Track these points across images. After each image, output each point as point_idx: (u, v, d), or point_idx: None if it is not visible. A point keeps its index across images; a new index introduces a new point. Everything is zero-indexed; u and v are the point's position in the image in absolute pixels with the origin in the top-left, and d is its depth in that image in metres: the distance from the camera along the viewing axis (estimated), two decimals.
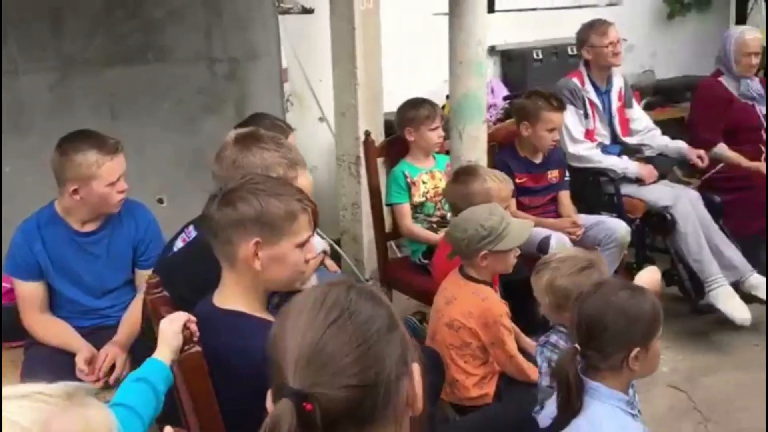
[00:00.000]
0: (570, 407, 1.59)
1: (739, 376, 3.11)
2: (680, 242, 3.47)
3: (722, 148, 3.92)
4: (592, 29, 3.68)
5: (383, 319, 0.97)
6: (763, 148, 3.96)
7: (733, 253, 3.51)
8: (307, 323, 0.96)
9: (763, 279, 3.47)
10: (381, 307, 0.99)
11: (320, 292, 0.99)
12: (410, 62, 4.28)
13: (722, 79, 4.01)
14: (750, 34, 3.95)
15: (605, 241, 3.20)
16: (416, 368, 0.99)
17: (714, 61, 4.14)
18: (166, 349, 1.48)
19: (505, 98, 4.51)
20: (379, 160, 3.31)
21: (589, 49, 3.71)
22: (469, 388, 2.33)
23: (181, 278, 1.86)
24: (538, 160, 3.41)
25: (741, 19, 5.68)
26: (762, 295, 3.42)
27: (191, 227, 2.08)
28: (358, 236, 3.71)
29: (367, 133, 3.27)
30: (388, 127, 3.58)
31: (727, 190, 3.77)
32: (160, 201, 3.47)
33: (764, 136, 3.98)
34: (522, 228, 2.31)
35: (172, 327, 1.50)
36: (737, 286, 3.44)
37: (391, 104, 3.55)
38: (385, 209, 3.30)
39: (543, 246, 2.94)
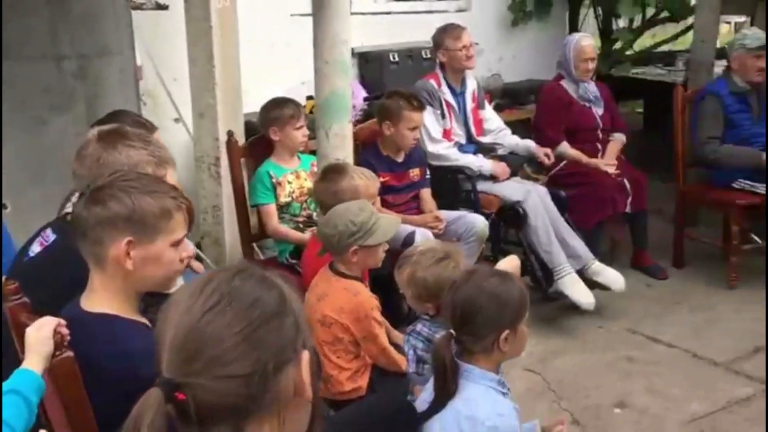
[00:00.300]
0: (446, 390, 1.66)
1: (586, 357, 3.35)
2: (531, 235, 3.69)
3: (565, 147, 4.20)
4: (446, 33, 3.84)
5: (271, 303, 0.95)
6: (600, 147, 4.29)
7: (577, 243, 3.78)
8: (184, 310, 0.94)
9: (603, 266, 3.76)
10: (271, 290, 0.97)
11: (203, 278, 0.98)
12: (266, 63, 4.26)
13: (563, 83, 4.30)
14: (586, 41, 4.26)
15: (466, 235, 3.35)
16: (306, 355, 0.97)
17: (555, 65, 4.43)
18: (35, 358, 1.39)
19: (365, 99, 4.60)
20: (241, 161, 3.27)
21: (444, 52, 3.86)
22: (343, 382, 2.36)
23: (40, 284, 1.76)
24: (400, 159, 3.51)
25: (574, 28, 6.12)
26: (603, 280, 3.70)
27: (49, 230, 1.97)
28: (220, 239, 3.64)
29: (230, 134, 3.22)
30: (247, 127, 3.55)
31: (571, 186, 4.04)
32: (4, 206, 3.24)
33: (600, 136, 4.31)
34: (390, 223, 2.37)
35: (41, 333, 1.41)
36: (581, 273, 3.71)
37: (249, 105, 3.53)
38: (250, 210, 3.27)
39: (408, 241, 3.03)
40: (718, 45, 4.99)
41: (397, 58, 4.95)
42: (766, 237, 4.08)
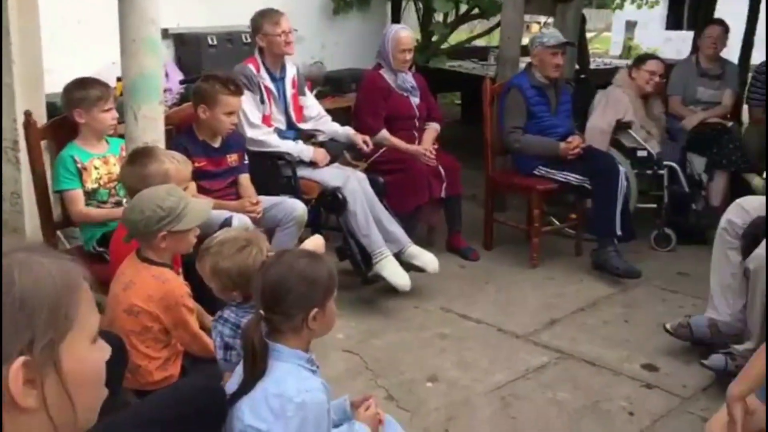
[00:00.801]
0: (255, 371, 1.68)
1: (402, 335, 3.49)
2: (350, 220, 3.77)
3: (384, 134, 4.33)
4: (265, 18, 3.82)
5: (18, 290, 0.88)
6: (417, 135, 4.47)
7: (395, 227, 3.91)
8: None
9: (419, 249, 3.93)
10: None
11: None
12: (74, 40, 4.02)
13: (382, 72, 4.42)
14: (404, 33, 4.41)
15: (285, 220, 3.37)
16: (19, 362, 0.88)
17: (375, 55, 4.54)
18: None
19: (181, 82, 4.47)
20: (43, 144, 3.07)
21: (262, 37, 3.84)
22: (152, 372, 2.31)
23: None
24: (216, 144, 3.45)
25: (396, 19, 6.30)
26: (419, 263, 3.87)
27: None
28: (20, 228, 3.41)
29: (28, 114, 3.00)
30: (50, 109, 3.33)
31: (389, 172, 4.18)
32: None
33: (417, 124, 4.49)
34: (201, 208, 2.34)
35: None
36: (399, 256, 3.85)
37: (54, 85, 3.31)
38: (53, 197, 3.08)
39: (225, 226, 2.99)
40: (525, 41, 5.36)
41: (215, 42, 4.85)
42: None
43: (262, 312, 1.71)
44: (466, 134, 6.64)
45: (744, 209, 3.11)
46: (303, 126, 4.09)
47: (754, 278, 2.80)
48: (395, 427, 1.99)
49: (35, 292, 0.91)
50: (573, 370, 3.18)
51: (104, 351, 0.99)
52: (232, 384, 1.76)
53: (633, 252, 4.37)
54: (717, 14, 6.77)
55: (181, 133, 3.39)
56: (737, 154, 4.77)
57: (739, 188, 4.84)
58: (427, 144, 4.41)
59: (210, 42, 4.78)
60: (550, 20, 6.83)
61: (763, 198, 3.14)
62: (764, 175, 4.92)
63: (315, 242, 2.19)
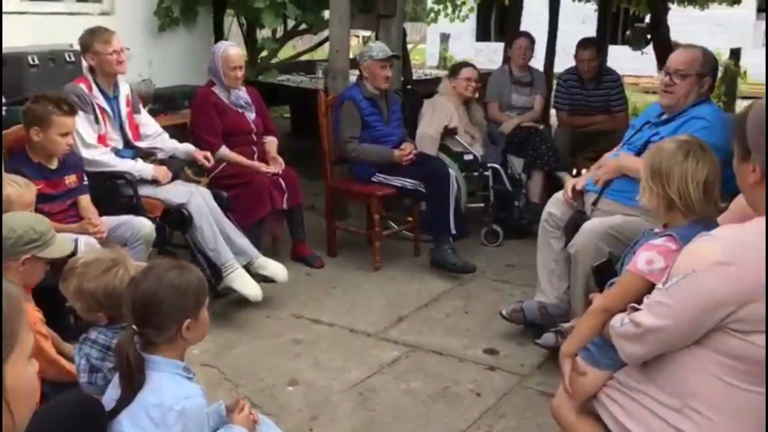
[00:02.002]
0: (133, 384, 1.71)
1: (257, 344, 3.56)
2: (197, 235, 3.78)
3: (224, 150, 4.37)
4: (95, 37, 3.75)
5: None
6: (255, 149, 4.54)
7: (242, 240, 3.97)
8: None
9: (267, 260, 4.02)
10: None
11: None
12: None
13: (215, 89, 4.46)
14: (233, 50, 4.46)
15: (132, 240, 3.33)
16: None
17: (206, 71, 4.56)
18: None
19: (3, 105, 4.24)
20: None
21: (93, 56, 3.76)
22: None
23: None
24: (53, 165, 3.35)
25: (219, 36, 6.32)
26: (268, 273, 3.95)
27: None
28: None
29: None
30: None
31: (231, 186, 4.23)
32: None
33: (255, 139, 4.56)
34: (65, 241, 2.31)
35: None
36: (248, 268, 3.91)
37: None
38: None
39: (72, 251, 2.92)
40: (352, 55, 5.59)
41: (37, 61, 4.63)
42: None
43: (134, 327, 1.74)
44: (298, 146, 6.78)
45: (561, 201, 3.50)
46: (140, 144, 4.04)
47: (575, 262, 3.17)
48: (270, 426, 2.08)
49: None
50: (422, 361, 3.41)
51: (36, 366, 1.03)
52: (109, 398, 1.77)
53: (466, 249, 4.70)
54: (522, 27, 7.43)
55: (15, 157, 3.26)
56: (550, 155, 5.28)
57: (554, 185, 5.36)
58: (275, 159, 4.50)
59: (31, 62, 4.56)
60: (367, 34, 7.16)
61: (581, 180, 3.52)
62: (573, 172, 5.48)
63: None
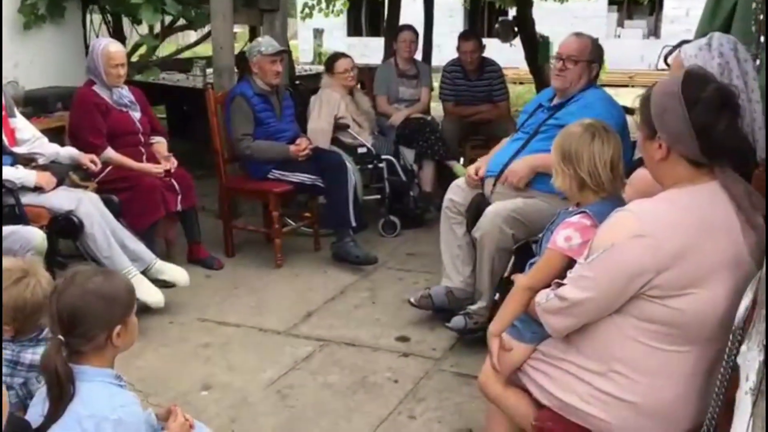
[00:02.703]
0: (62, 397, 1.61)
1: (164, 351, 3.43)
2: (89, 243, 3.59)
3: (110, 152, 4.17)
4: None
5: None
6: (143, 150, 4.36)
7: (137, 245, 3.81)
8: None
9: (165, 264, 3.88)
10: None
11: None
12: None
13: (96, 88, 4.24)
14: (114, 47, 4.26)
15: (22, 251, 3.09)
16: None
17: (76, 71, 4.30)
18: None
19: None
20: None
21: None
22: None
23: None
24: None
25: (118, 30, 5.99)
26: (168, 278, 3.82)
27: None
28: None
29: None
30: None
31: (122, 190, 4.04)
32: None
33: (142, 140, 4.38)
34: None
35: None
36: (146, 274, 3.76)
37: None
38: None
39: None
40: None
41: None
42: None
43: (61, 338, 1.64)
44: (179, 147, 6.57)
45: (461, 188, 3.59)
46: (18, 150, 3.78)
47: (480, 246, 3.25)
48: (204, 430, 2.01)
49: None
50: (337, 354, 3.40)
51: None
52: (33, 414, 1.66)
53: (365, 241, 4.73)
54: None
55: None
56: (440, 145, 5.39)
57: (445, 173, 5.50)
58: (167, 158, 4.33)
59: None
60: (238, 29, 7.03)
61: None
62: (461, 161, 5.64)
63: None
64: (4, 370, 1.92)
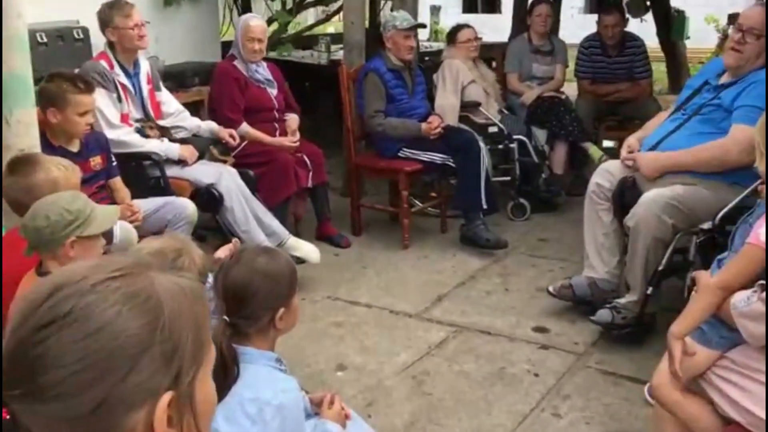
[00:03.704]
0: (228, 377, 1.57)
1: (297, 329, 3.30)
2: (228, 216, 3.64)
3: (246, 127, 4.20)
4: (115, 11, 3.56)
5: (127, 333, 0.75)
6: (277, 126, 4.37)
7: (272, 220, 3.83)
8: (19, 318, 0.76)
9: (298, 240, 3.88)
10: (136, 314, 0.76)
11: (56, 279, 0.79)
12: None
13: (236, 63, 4.28)
14: (254, 21, 4.29)
15: (175, 221, 3.17)
16: (166, 397, 0.78)
17: (212, 46, 4.34)
18: None
19: None
20: None
21: (113, 31, 3.57)
22: None
23: None
24: (75, 148, 3.16)
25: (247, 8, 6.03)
26: (300, 254, 3.80)
27: None
28: None
29: None
30: None
31: (256, 165, 4.06)
32: None
33: (277, 116, 4.39)
34: (109, 212, 2.14)
35: None
36: (279, 248, 3.77)
37: None
38: None
39: (107, 236, 2.76)
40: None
41: (45, 39, 4.41)
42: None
43: (226, 318, 1.60)
44: (307, 124, 6.61)
45: (609, 172, 3.37)
46: (162, 123, 3.86)
47: (635, 234, 3.03)
48: (361, 424, 1.95)
49: (180, 319, 0.79)
50: (471, 341, 3.29)
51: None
52: None
53: (493, 224, 4.55)
54: None
55: None
56: (574, 125, 5.14)
57: (577, 155, 5.26)
58: (293, 133, 4.34)
59: (39, 39, 4.34)
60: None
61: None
62: (603, 144, 5.37)
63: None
64: None
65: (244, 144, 4.17)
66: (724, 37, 12.76)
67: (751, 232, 1.78)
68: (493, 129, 4.87)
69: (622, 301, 3.17)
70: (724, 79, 3.12)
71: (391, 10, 5.42)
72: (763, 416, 1.66)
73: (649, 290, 3.07)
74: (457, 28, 5.09)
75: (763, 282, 1.66)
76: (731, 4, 15.59)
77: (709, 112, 3.09)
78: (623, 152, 3.29)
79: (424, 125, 4.39)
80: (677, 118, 3.21)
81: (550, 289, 3.47)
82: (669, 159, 3.09)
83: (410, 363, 3.10)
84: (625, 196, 3.23)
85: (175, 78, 5.23)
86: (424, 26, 4.55)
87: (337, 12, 6.16)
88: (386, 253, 4.36)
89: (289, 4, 6.06)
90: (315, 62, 7.51)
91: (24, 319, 0.76)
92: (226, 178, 3.66)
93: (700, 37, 12.48)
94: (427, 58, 5.95)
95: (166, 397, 0.77)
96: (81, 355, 0.73)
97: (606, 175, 3.37)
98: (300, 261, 3.81)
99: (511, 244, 4.35)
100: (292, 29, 6.68)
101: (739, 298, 1.71)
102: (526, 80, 5.51)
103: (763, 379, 1.69)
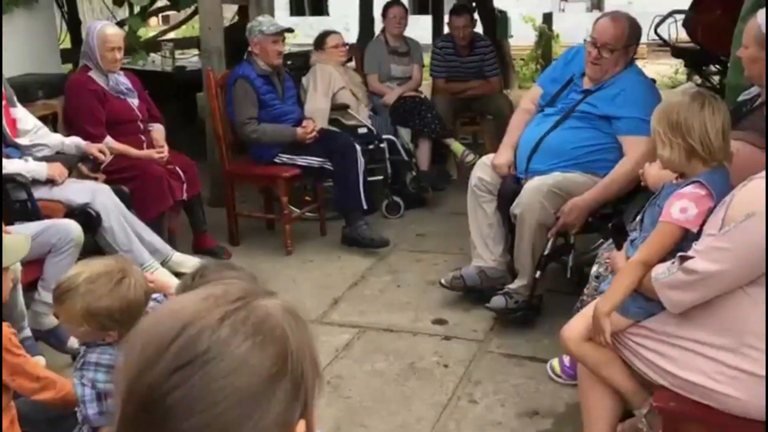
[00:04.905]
0: None
1: None
2: (108, 236, 3.43)
3: (111, 141, 3.97)
4: None
5: (260, 371, 0.72)
6: (143, 138, 4.17)
7: (153, 237, 3.67)
8: (144, 362, 0.71)
9: (183, 255, 3.74)
10: (266, 348, 0.74)
11: (186, 313, 0.73)
12: None
13: (92, 74, 4.03)
14: (110, 29, 4.06)
15: (60, 245, 2.93)
16: (301, 426, 0.77)
17: (53, 57, 4.08)
18: None
19: None
20: None
21: None
22: None
23: None
24: None
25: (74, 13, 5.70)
26: (187, 270, 3.66)
27: None
28: None
29: None
30: None
31: (127, 180, 3.86)
32: None
33: (141, 127, 4.19)
34: (20, 242, 1.96)
35: None
36: (163, 266, 3.62)
37: None
38: None
39: None
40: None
41: None
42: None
43: None
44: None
45: (489, 166, 3.53)
46: (21, 141, 3.56)
47: (521, 221, 3.20)
48: None
49: (300, 344, 0.77)
50: (377, 340, 3.33)
51: None
52: None
53: (370, 224, 4.63)
54: None
55: None
56: (436, 123, 5.32)
57: (440, 151, 5.46)
58: (161, 144, 4.16)
59: None
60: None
61: (505, 153, 3.58)
62: (460, 138, 5.60)
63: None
64: (103, 376, 1.80)
65: (110, 159, 3.94)
66: (540, 35, 13.76)
67: (663, 210, 1.95)
68: (362, 130, 4.93)
69: (512, 286, 3.34)
70: (589, 84, 3.31)
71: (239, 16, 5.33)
72: (688, 378, 1.83)
73: (537, 274, 3.26)
74: (325, 34, 5.12)
75: (683, 254, 1.83)
76: (539, 4, 16.79)
77: (583, 118, 3.27)
78: (499, 170, 3.44)
79: (299, 130, 4.37)
80: (551, 114, 3.39)
81: (443, 281, 3.58)
82: (590, 201, 3.16)
83: (322, 369, 3.08)
84: (506, 187, 3.40)
85: (18, 92, 4.82)
86: (291, 31, 4.51)
87: (190, 17, 5.96)
88: (270, 261, 4.30)
89: (136, 9, 5.78)
90: (158, 69, 7.24)
91: (151, 363, 0.70)
92: (101, 197, 3.45)
93: (521, 36, 13.33)
94: (289, 62, 5.90)
95: (301, 426, 0.74)
96: (226, 393, 0.69)
97: (486, 169, 3.54)
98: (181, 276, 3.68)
99: (392, 241, 4.44)
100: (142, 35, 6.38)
101: (660, 271, 1.88)
102: (385, 81, 5.63)
103: (681, 343, 1.87)
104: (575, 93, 3.37)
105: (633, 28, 3.24)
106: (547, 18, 14.32)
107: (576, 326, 2.12)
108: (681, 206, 1.91)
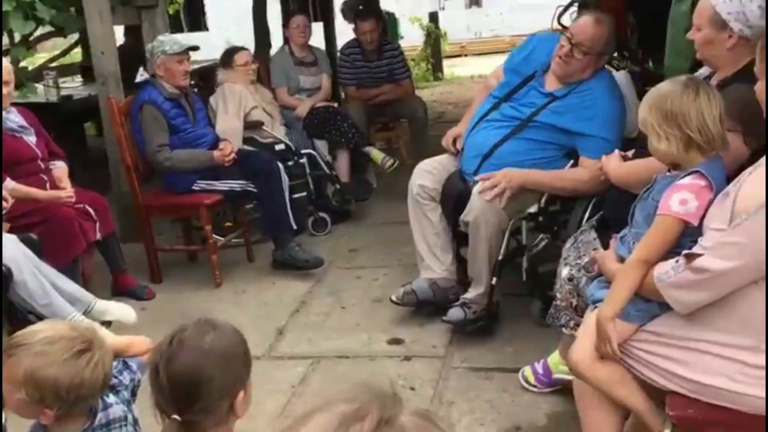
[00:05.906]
0: None
1: None
2: (21, 292, 3.07)
3: (10, 184, 3.57)
4: None
5: None
6: (46, 178, 3.79)
7: (70, 286, 3.32)
8: None
9: (106, 302, 3.42)
10: None
11: None
12: None
13: None
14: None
15: None
16: None
17: None
18: None
19: None
20: None
21: None
22: None
23: None
24: None
25: None
26: (113, 317, 3.36)
27: None
28: None
29: None
30: None
31: (34, 225, 3.50)
32: None
33: (42, 166, 3.81)
34: None
35: None
36: (86, 316, 3.28)
37: None
38: None
39: None
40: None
41: None
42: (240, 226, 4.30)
43: (177, 417, 1.29)
44: None
45: (429, 172, 3.40)
46: None
47: (474, 228, 3.07)
48: None
49: None
50: (333, 370, 3.13)
51: None
52: None
53: (301, 244, 4.41)
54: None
55: None
56: (352, 132, 5.15)
57: (360, 161, 5.29)
58: (66, 184, 3.79)
59: None
60: None
61: (439, 157, 3.46)
62: (377, 145, 5.46)
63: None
64: None
65: (9, 204, 3.55)
66: (429, 34, 13.88)
67: (661, 203, 1.85)
68: (280, 147, 4.72)
69: (469, 296, 3.21)
70: (553, 86, 3.14)
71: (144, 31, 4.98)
72: (708, 382, 1.74)
73: (494, 280, 3.15)
74: (233, 51, 4.85)
75: (688, 252, 1.73)
76: (419, 3, 16.92)
77: (544, 127, 3.13)
78: (446, 139, 3.44)
79: (216, 153, 4.10)
80: (510, 117, 3.18)
81: (393, 298, 3.42)
82: (528, 175, 3.09)
83: (281, 409, 2.86)
84: (451, 186, 3.29)
85: None
86: (197, 48, 4.23)
87: (76, 44, 5.50)
88: (200, 296, 4.01)
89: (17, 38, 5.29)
90: (43, 100, 6.72)
91: None
92: (8, 248, 3.08)
93: (409, 37, 13.39)
94: (192, 81, 5.58)
95: None
96: None
97: (427, 175, 3.41)
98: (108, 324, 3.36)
99: (326, 260, 4.24)
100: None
101: (663, 270, 1.78)
102: (295, 93, 5.41)
103: (695, 345, 1.78)
104: (538, 94, 3.17)
105: (610, 37, 3.05)
106: (434, 17, 14.46)
107: (583, 347, 1.96)
108: (680, 198, 1.81)
